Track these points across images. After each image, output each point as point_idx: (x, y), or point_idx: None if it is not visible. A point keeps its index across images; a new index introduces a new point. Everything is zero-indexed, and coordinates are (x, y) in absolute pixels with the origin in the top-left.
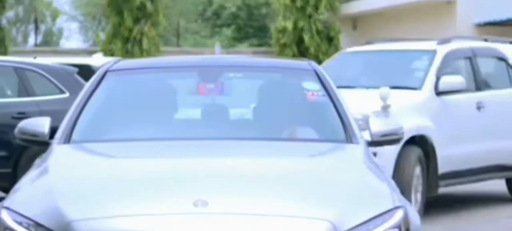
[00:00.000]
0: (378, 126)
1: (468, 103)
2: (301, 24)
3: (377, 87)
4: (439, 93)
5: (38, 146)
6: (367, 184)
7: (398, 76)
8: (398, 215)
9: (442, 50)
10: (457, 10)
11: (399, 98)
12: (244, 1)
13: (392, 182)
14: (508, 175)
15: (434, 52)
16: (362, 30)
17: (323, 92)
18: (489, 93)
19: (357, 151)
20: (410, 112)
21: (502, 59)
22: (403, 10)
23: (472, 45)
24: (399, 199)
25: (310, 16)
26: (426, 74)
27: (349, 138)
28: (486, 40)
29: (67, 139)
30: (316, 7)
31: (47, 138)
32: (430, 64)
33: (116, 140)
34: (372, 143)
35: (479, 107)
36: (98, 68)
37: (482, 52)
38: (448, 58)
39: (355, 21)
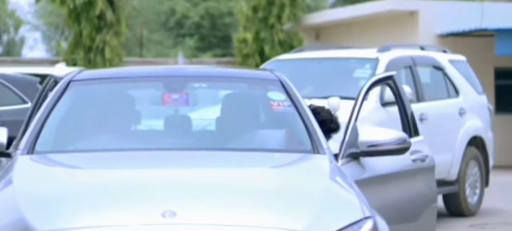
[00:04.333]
0: (368, 135)
1: None
2: (263, 34)
3: (320, 97)
4: (384, 104)
5: None
6: (335, 194)
7: (341, 86)
8: (367, 226)
9: (385, 59)
10: (420, 21)
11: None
12: (207, 11)
13: (361, 193)
14: (447, 190)
15: (376, 60)
16: (325, 40)
17: (288, 102)
18: (430, 105)
19: (323, 161)
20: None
21: (439, 68)
22: (366, 20)
23: (411, 54)
24: (368, 209)
25: (272, 27)
26: None
27: (315, 148)
28: (422, 48)
29: (31, 150)
30: (279, 17)
31: (4, 148)
32: (374, 73)
33: (81, 150)
34: (360, 154)
35: (421, 119)
36: (60, 78)
37: (421, 61)
38: (391, 67)
39: (318, 32)
